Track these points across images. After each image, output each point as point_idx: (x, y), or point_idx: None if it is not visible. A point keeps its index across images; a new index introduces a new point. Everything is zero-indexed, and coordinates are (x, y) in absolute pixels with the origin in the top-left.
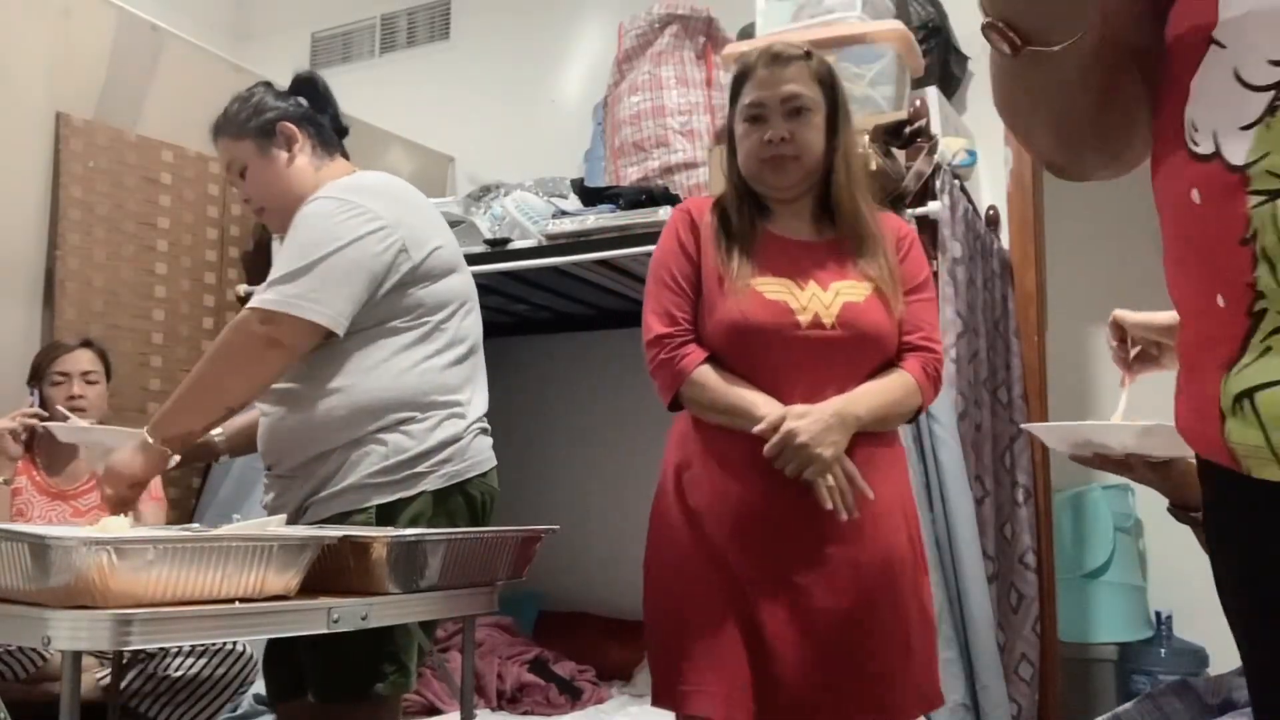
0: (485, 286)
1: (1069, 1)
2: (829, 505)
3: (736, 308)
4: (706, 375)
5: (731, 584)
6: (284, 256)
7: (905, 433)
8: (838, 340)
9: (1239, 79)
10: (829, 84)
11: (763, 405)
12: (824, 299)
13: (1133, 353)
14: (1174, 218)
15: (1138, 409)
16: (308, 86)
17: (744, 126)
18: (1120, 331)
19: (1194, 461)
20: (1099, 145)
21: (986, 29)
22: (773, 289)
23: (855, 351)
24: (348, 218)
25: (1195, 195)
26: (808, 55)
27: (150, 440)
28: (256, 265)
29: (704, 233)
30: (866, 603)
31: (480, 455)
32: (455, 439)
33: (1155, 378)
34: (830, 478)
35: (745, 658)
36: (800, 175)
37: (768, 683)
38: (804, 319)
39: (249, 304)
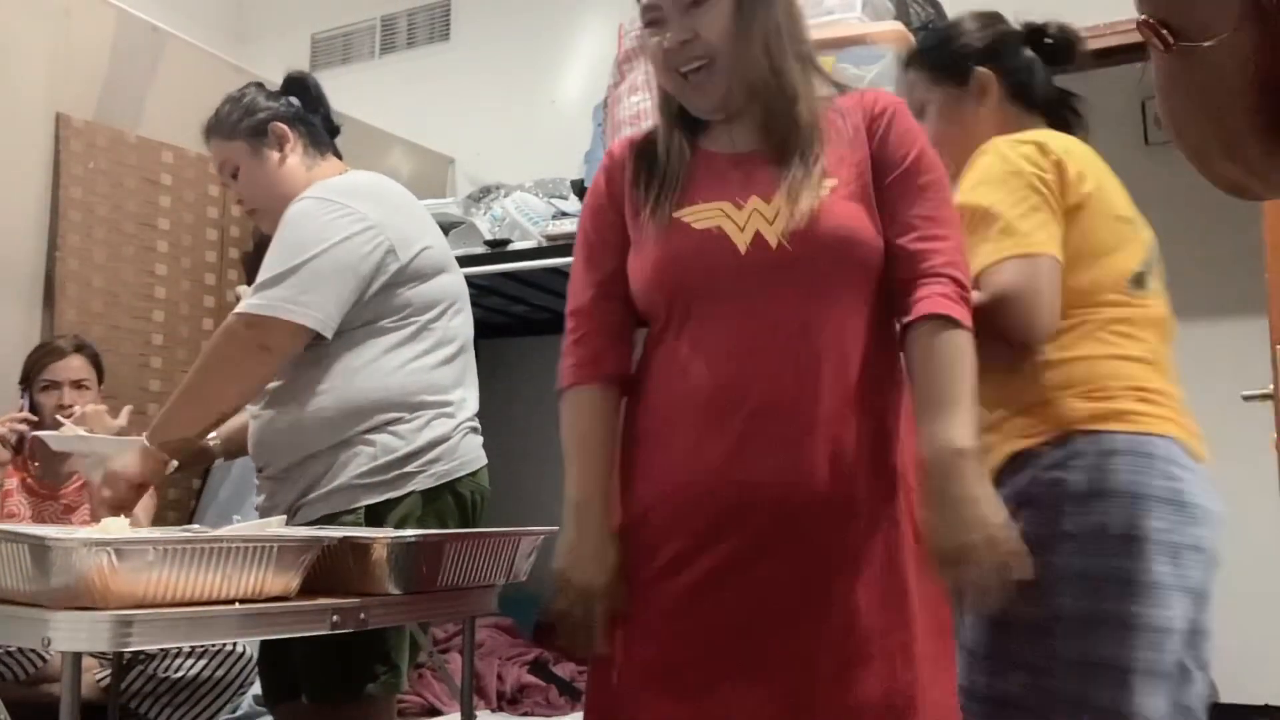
0: (485, 287)
1: None
2: None
3: (655, 250)
4: (580, 404)
5: None
6: (270, 259)
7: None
8: (786, 259)
9: None
10: None
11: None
12: (767, 212)
13: None
14: None
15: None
16: (299, 86)
17: (645, 34)
18: None
19: None
20: (1268, 149)
21: (1140, 26)
22: (704, 216)
23: (821, 272)
24: (334, 218)
25: None
26: None
27: (148, 445)
28: (256, 266)
29: (626, 172)
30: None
31: (470, 454)
32: (444, 438)
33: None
34: None
35: None
36: (722, 85)
37: None
38: (743, 241)
39: (236, 309)
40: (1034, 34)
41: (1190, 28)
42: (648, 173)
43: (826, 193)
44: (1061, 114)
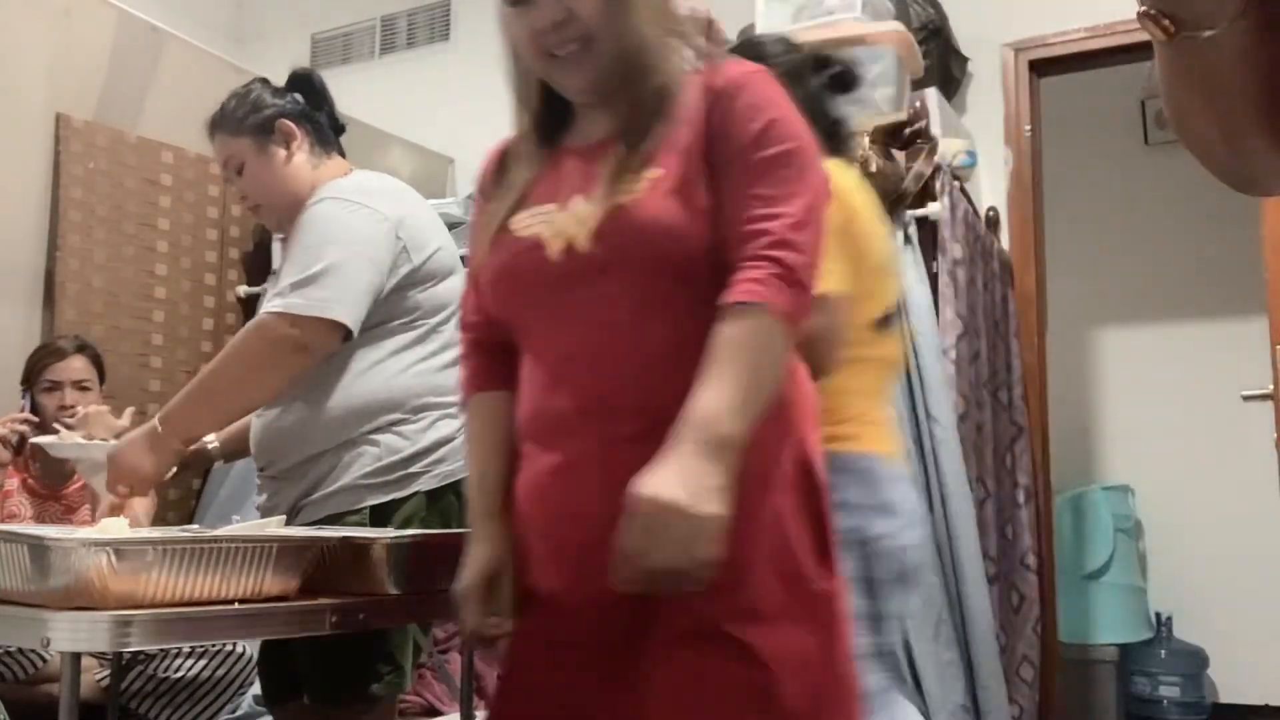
0: None
1: None
2: None
3: (488, 264)
4: (471, 413)
5: None
6: (297, 259)
7: (904, 433)
8: (596, 264)
9: None
10: None
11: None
12: (582, 213)
13: None
14: None
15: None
16: (304, 84)
17: (508, 14)
18: None
19: None
20: (1271, 141)
21: (1141, 17)
22: (528, 223)
23: (636, 276)
24: (358, 219)
25: None
26: None
27: (161, 433)
28: (256, 266)
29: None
30: None
31: None
32: (448, 439)
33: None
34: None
35: None
36: (597, 66)
37: None
38: (555, 248)
39: (270, 308)
40: (821, 63)
41: (1191, 18)
42: (500, 179)
43: (644, 185)
44: (839, 143)
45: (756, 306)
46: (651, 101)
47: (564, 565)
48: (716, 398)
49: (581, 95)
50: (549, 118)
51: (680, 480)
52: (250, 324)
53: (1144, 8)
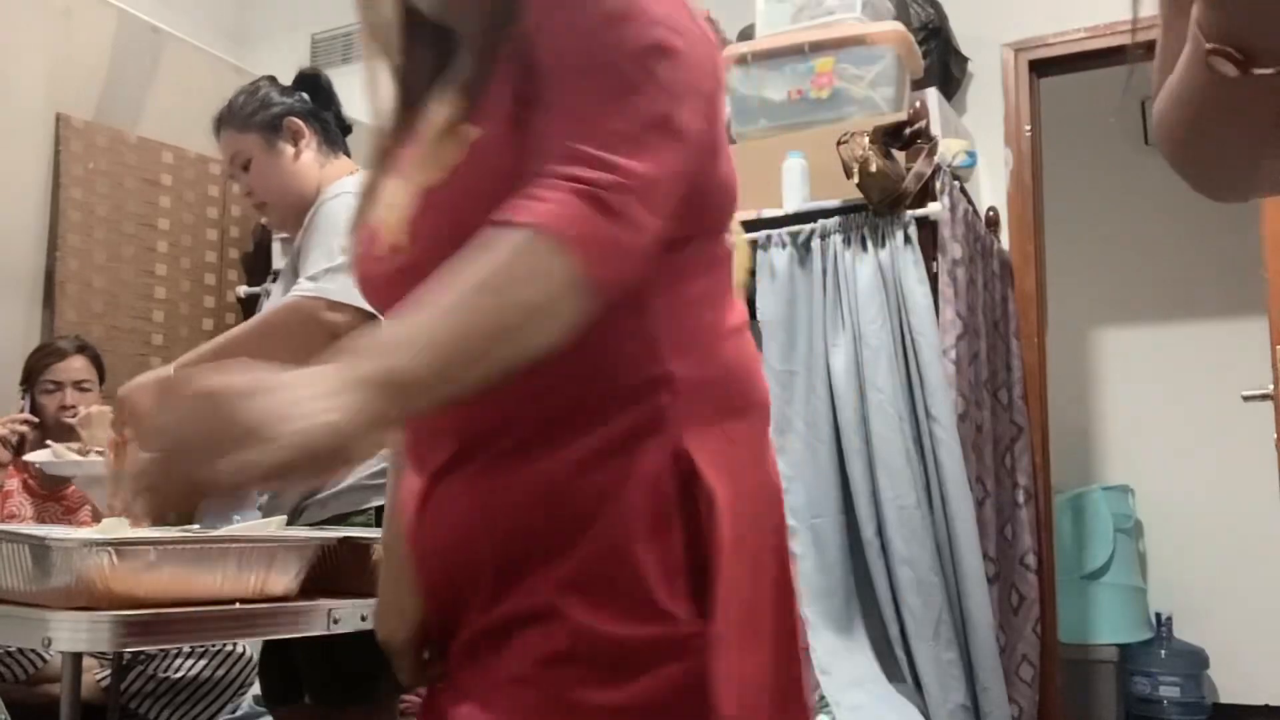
0: None
1: None
2: None
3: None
4: None
5: None
6: (318, 249)
7: (904, 433)
8: (412, 262)
9: None
10: None
11: None
12: (398, 197)
13: None
14: None
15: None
16: (311, 83)
17: None
18: None
19: None
20: None
21: (1209, 53)
22: (382, 206)
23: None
24: None
25: None
26: None
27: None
28: (256, 266)
29: None
30: None
31: None
32: None
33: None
34: None
35: None
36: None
37: None
38: (385, 243)
39: (304, 291)
40: None
41: (1262, 53)
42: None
43: (459, 154)
44: None
45: (527, 225)
46: (493, 24)
47: (429, 600)
48: (412, 324)
49: (436, 8)
50: (420, 69)
51: (276, 382)
52: (285, 302)
53: (1211, 45)
